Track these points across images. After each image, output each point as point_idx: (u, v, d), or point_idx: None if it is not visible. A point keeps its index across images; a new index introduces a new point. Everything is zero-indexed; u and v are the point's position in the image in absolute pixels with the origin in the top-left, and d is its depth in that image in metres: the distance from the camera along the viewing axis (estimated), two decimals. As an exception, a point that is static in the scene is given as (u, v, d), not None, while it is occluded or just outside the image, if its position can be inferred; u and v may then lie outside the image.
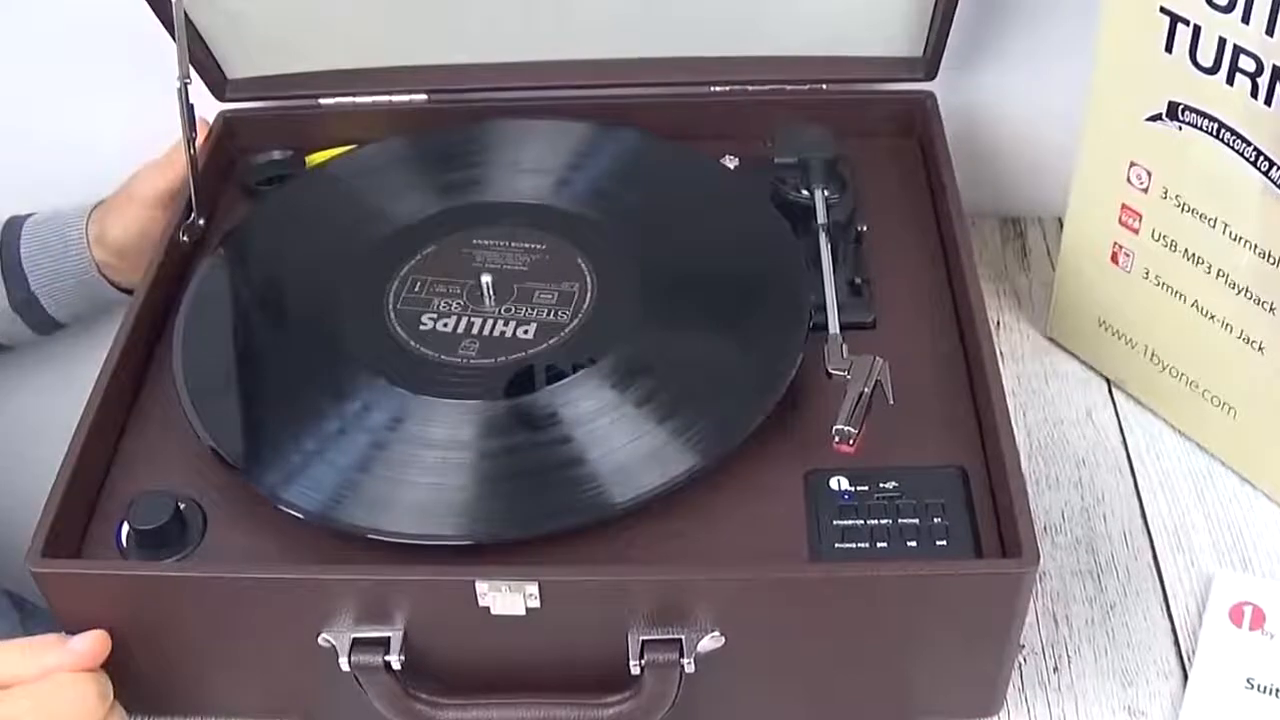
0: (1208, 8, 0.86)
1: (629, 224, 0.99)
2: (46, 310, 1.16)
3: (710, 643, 0.80)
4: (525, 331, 0.91)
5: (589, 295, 0.94)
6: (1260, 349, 0.94)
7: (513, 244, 0.98)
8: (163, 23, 1.02)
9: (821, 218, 0.96)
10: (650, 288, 0.94)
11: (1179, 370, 1.02)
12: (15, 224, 1.15)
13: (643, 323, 0.92)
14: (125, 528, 0.84)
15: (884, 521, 0.83)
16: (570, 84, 1.11)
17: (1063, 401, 1.08)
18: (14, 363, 1.28)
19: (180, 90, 1.00)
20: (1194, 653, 0.92)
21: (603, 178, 1.03)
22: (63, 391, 0.97)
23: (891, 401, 0.84)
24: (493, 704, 0.82)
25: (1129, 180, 0.97)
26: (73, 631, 0.81)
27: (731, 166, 1.06)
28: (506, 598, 0.78)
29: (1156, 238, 0.97)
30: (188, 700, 0.88)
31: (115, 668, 0.83)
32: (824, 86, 1.10)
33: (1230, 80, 0.87)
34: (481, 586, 0.78)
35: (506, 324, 0.92)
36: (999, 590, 0.78)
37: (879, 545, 0.82)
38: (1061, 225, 1.07)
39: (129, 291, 1.14)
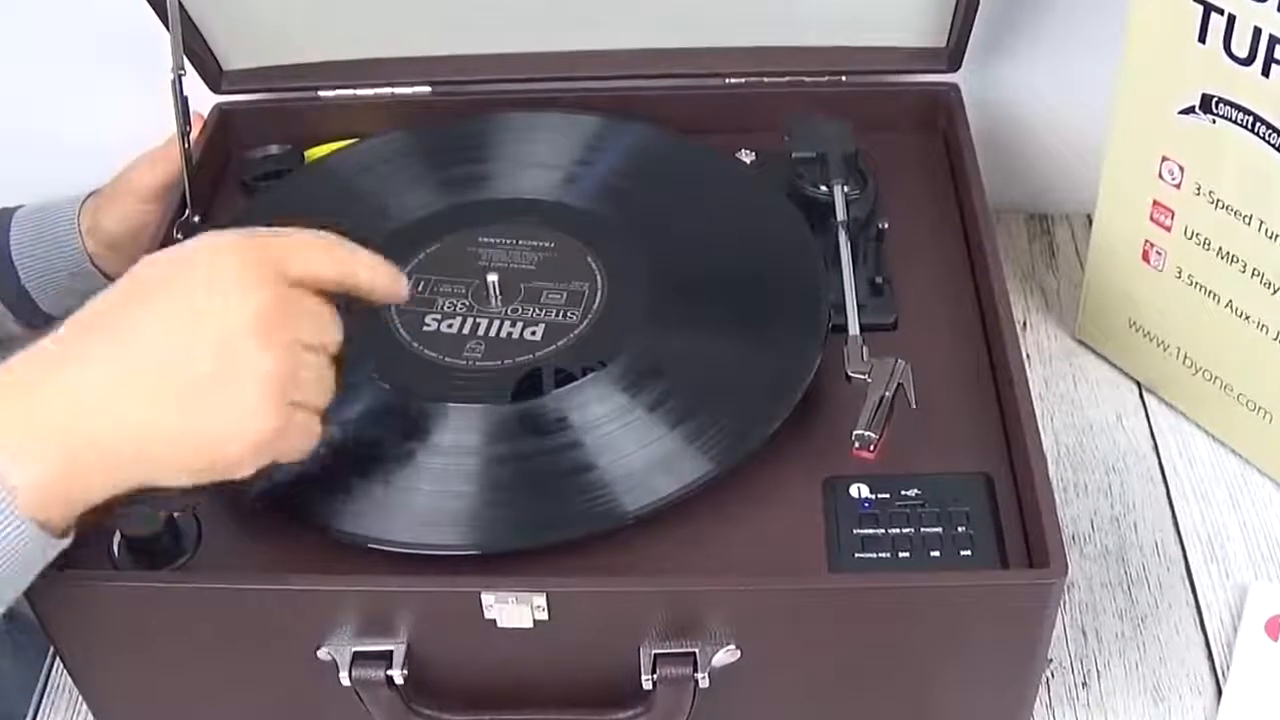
0: (1243, -4, 0.86)
1: (640, 221, 0.99)
2: (39, 305, 1.16)
3: (725, 656, 0.80)
4: (533, 333, 0.91)
5: (599, 295, 0.93)
6: (1298, 351, 0.94)
7: (520, 242, 0.98)
8: (157, 13, 1.02)
9: (841, 214, 0.96)
10: (663, 287, 0.94)
11: (1213, 373, 1.01)
12: (4, 216, 1.15)
13: (655, 324, 0.91)
14: (116, 536, 0.84)
15: (906, 530, 0.83)
16: (580, 76, 1.11)
17: (1092, 405, 1.08)
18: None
19: (174, 82, 1.00)
20: (1228, 667, 0.92)
21: (613, 173, 1.03)
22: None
23: (913, 405, 0.84)
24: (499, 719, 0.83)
25: (1161, 176, 0.97)
26: (63, 643, 0.81)
27: (747, 161, 1.06)
28: (513, 609, 0.78)
29: (1189, 235, 0.97)
30: (182, 715, 0.88)
31: (106, 681, 0.84)
32: (843, 78, 1.10)
33: (1266, 72, 0.86)
34: (488, 598, 0.78)
35: (514, 325, 0.92)
36: (1025, 602, 0.78)
37: (900, 555, 0.82)
38: (1090, 222, 1.07)
39: (123, 284, 1.14)
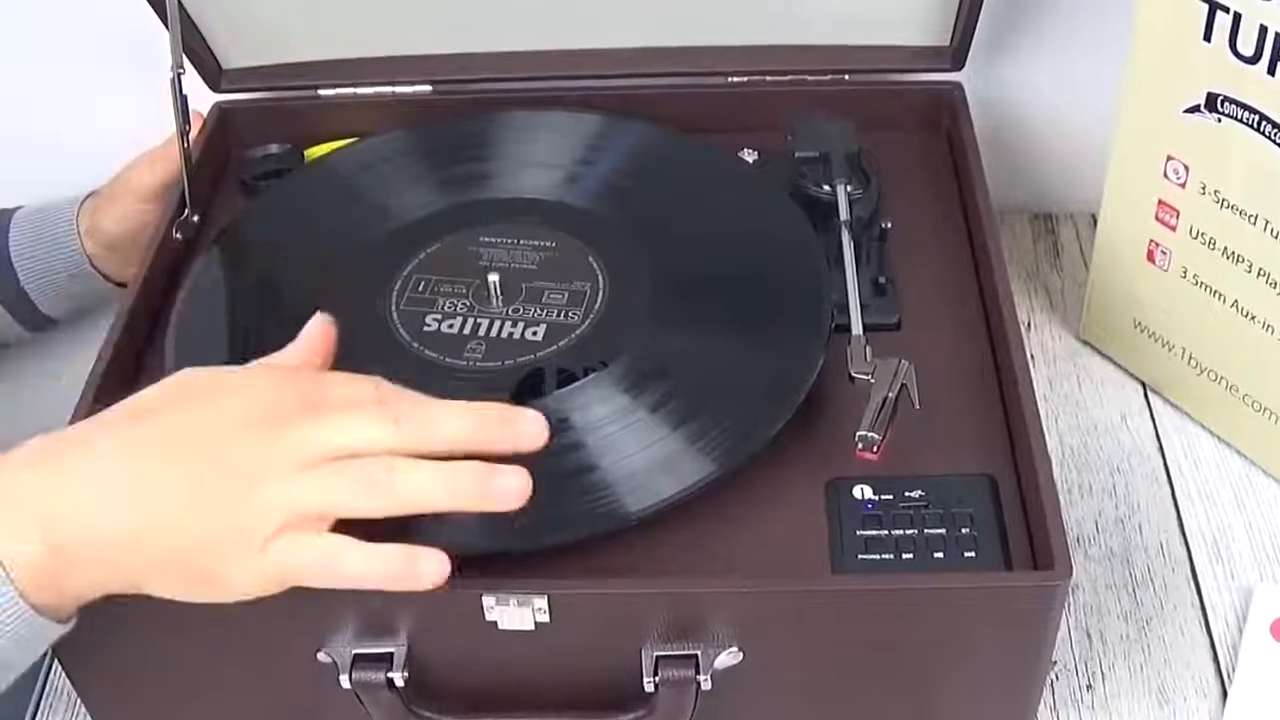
0: (1249, -6, 0.86)
1: (642, 221, 0.99)
2: (38, 307, 1.16)
3: (728, 659, 0.80)
4: (534, 333, 0.91)
5: (601, 295, 0.93)
6: (1304, 351, 0.94)
7: (521, 241, 0.98)
8: (156, 11, 1.02)
9: (844, 214, 0.95)
10: (665, 287, 0.94)
11: (1218, 374, 1.01)
12: (3, 218, 1.15)
13: (657, 324, 0.91)
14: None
15: (909, 532, 0.83)
16: (582, 74, 1.11)
17: (1096, 406, 1.08)
18: (8, 363, 1.28)
19: (173, 80, 1.00)
20: (1234, 669, 0.91)
21: (615, 172, 1.03)
22: (55, 394, 0.97)
23: (917, 406, 0.84)
24: (500, 722, 0.83)
25: (1166, 175, 0.97)
26: (60, 645, 0.81)
27: (750, 160, 1.06)
28: (514, 612, 0.78)
29: (1194, 235, 0.97)
30: (180, 718, 0.88)
31: (104, 683, 0.83)
32: (846, 77, 1.10)
33: (1272, 70, 0.86)
34: (488, 600, 0.78)
35: (514, 325, 0.92)
36: (1030, 604, 0.78)
37: (904, 557, 0.82)
38: (1095, 222, 1.07)
39: (123, 285, 1.14)
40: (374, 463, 0.71)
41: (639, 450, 0.85)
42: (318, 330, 0.80)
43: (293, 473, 0.70)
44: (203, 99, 1.11)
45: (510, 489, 0.72)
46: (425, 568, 0.71)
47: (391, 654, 0.80)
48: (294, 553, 0.70)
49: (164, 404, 0.74)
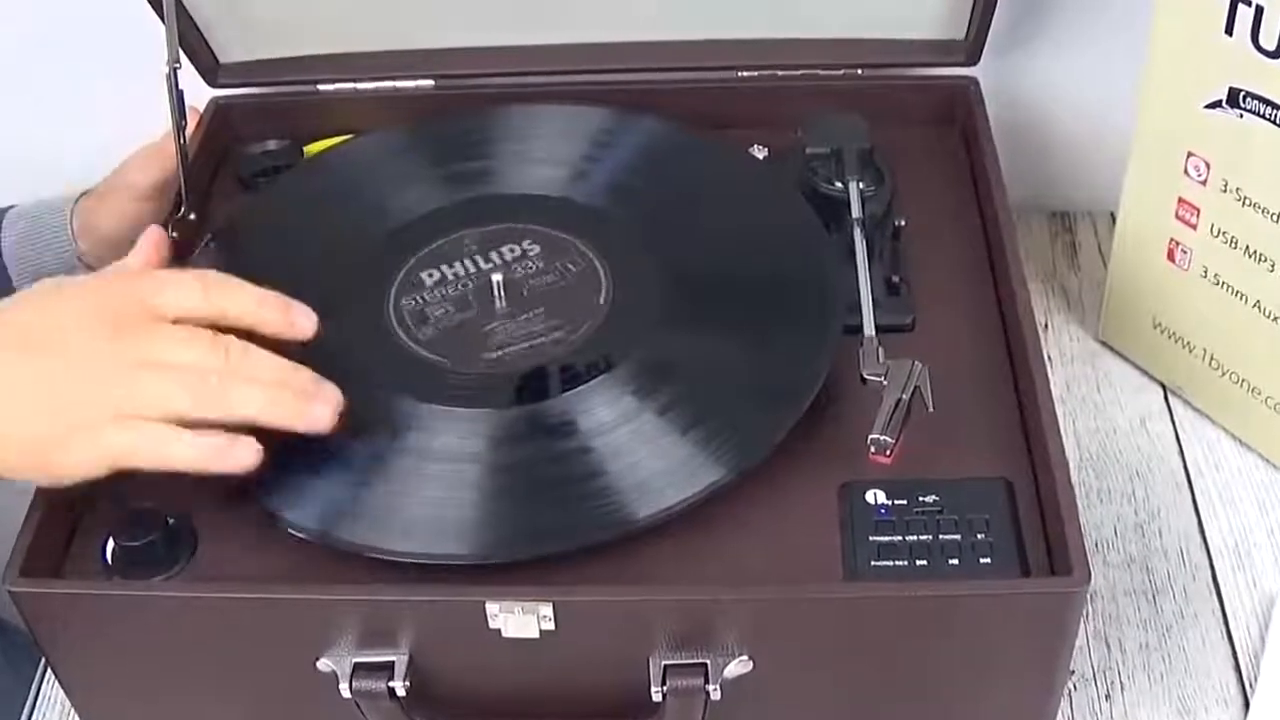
0: (1272, -14, 0.85)
1: (649, 219, 0.98)
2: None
3: (737, 667, 0.80)
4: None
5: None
6: (1328, 353, 0.94)
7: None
8: (151, 4, 1.02)
9: (856, 212, 0.95)
10: (672, 287, 0.93)
11: (1240, 375, 1.01)
12: (-2, 217, 1.16)
13: (664, 325, 0.91)
14: (110, 544, 0.84)
15: (924, 538, 0.83)
16: (588, 69, 1.11)
17: (1115, 409, 1.08)
18: None
19: (169, 75, 1.00)
20: (1256, 678, 0.91)
21: (622, 169, 1.03)
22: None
23: (931, 409, 0.84)
24: (504, 732, 0.82)
25: (1186, 172, 0.97)
26: (54, 654, 0.81)
27: (760, 157, 1.06)
28: (519, 620, 0.78)
29: (1216, 234, 0.97)
30: (178, 728, 0.88)
31: (99, 692, 0.83)
32: (859, 71, 1.10)
33: (1295, 65, 0.86)
34: (492, 608, 0.78)
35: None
36: (1047, 612, 0.78)
37: (918, 563, 0.82)
38: (1114, 220, 1.07)
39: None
40: (210, 372, 0.81)
41: (646, 454, 0.85)
42: (153, 238, 0.91)
43: (130, 370, 0.80)
44: (200, 95, 1.11)
45: (324, 416, 0.82)
46: (240, 452, 0.80)
47: (392, 662, 0.80)
48: (125, 438, 0.79)
49: (16, 307, 0.84)
